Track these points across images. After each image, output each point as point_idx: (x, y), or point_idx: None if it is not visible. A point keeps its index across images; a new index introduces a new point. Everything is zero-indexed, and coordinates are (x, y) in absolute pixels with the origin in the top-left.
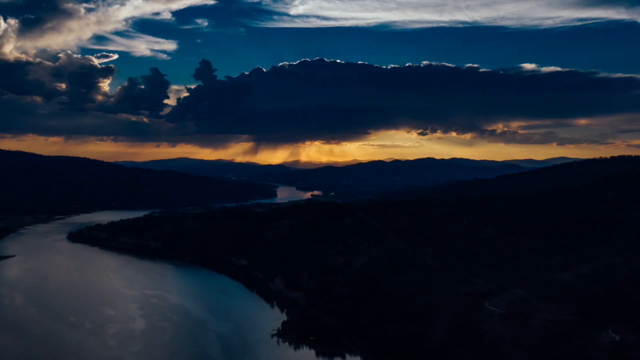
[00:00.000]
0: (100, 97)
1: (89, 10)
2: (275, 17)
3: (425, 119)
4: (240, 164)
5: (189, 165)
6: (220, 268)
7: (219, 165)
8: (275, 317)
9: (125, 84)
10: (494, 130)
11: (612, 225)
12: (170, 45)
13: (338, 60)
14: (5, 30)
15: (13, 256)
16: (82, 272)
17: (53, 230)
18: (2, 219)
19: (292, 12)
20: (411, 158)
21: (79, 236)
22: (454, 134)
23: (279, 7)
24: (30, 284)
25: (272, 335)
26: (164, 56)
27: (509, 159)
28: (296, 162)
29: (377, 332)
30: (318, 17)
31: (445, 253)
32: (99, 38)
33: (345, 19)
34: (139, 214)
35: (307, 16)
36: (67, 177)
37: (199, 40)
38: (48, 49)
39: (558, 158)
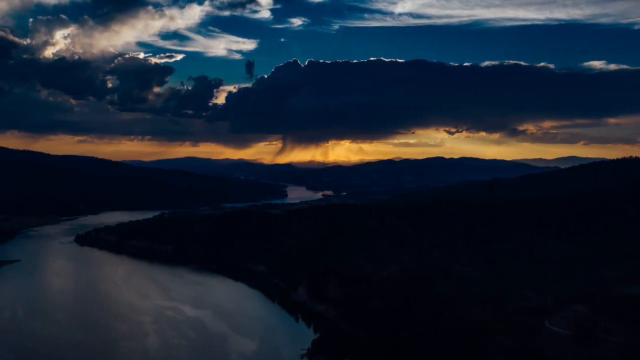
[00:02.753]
0: (151, 97)
1: (157, 6)
2: (367, 15)
3: (458, 119)
4: (248, 164)
5: (197, 165)
6: (237, 275)
7: (226, 164)
8: (303, 333)
9: (180, 86)
10: (524, 130)
11: None
12: (249, 45)
13: (399, 60)
14: (67, 30)
15: (18, 261)
16: (90, 279)
17: (60, 232)
18: (8, 219)
19: (398, 10)
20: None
21: (87, 239)
22: (483, 133)
23: (382, 6)
24: (35, 294)
25: (302, 356)
26: (238, 56)
27: (519, 158)
28: (303, 162)
29: (421, 353)
30: (412, 15)
31: (484, 261)
32: (177, 36)
33: (440, 17)
34: (148, 214)
35: (400, 14)
36: (75, 177)
37: (282, 40)
38: (109, 48)
39: (568, 157)
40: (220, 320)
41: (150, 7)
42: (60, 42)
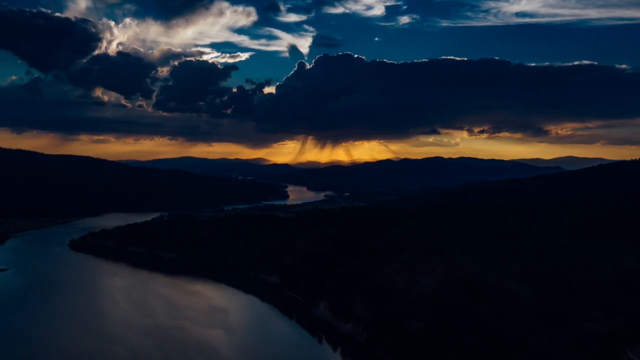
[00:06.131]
0: (198, 97)
1: (234, 3)
2: (470, 13)
3: (486, 118)
4: (245, 163)
5: (193, 164)
6: (247, 286)
7: (223, 164)
8: (329, 359)
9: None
10: (548, 131)
11: None
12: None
13: (464, 58)
14: (130, 28)
15: (5, 270)
16: (85, 292)
17: (55, 236)
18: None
19: (516, 9)
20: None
21: (83, 244)
22: (507, 133)
23: (494, 5)
24: (21, 311)
25: None
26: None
27: (517, 158)
28: (302, 161)
29: None
30: (517, 14)
31: (531, 275)
32: (265, 35)
33: (544, 15)
34: (147, 217)
35: (504, 13)
36: (71, 177)
37: (377, 39)
38: (174, 47)
39: (566, 157)
40: (233, 344)
41: (225, 4)
42: (122, 40)
